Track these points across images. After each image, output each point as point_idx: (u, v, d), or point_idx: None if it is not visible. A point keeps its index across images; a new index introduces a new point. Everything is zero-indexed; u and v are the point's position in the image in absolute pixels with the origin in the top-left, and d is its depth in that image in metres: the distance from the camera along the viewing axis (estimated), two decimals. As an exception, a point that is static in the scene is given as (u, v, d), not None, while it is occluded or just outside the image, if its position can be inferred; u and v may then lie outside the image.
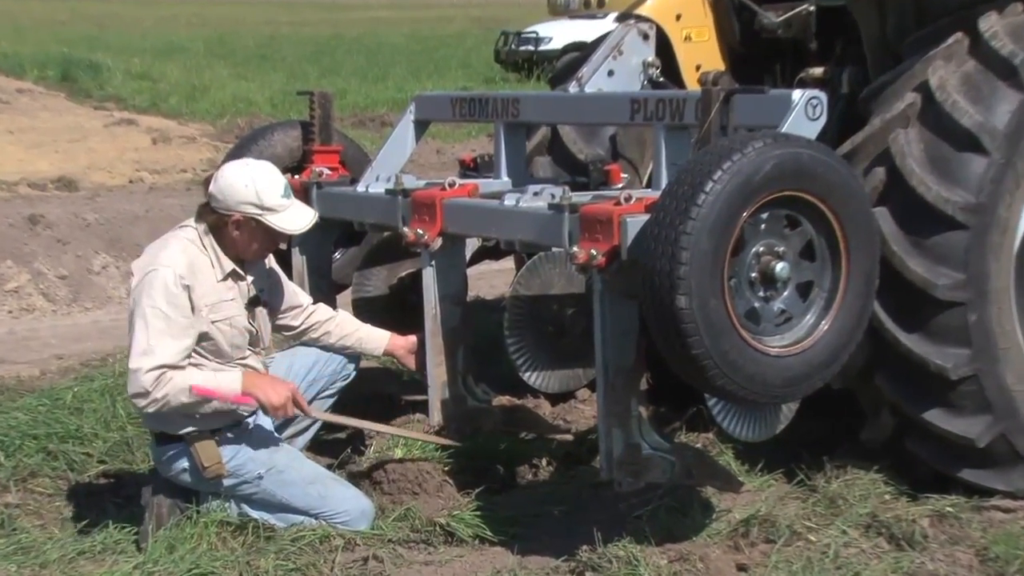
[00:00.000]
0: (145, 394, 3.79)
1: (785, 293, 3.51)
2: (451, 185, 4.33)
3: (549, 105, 4.83)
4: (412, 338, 4.50)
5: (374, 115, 15.45)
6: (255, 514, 4.04)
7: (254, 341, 4.11)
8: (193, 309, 3.87)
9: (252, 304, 4.10)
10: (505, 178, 4.76)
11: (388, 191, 4.48)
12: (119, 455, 4.81)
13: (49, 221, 8.76)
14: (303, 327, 4.42)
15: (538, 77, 19.72)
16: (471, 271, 4.79)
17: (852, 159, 4.06)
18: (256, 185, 3.93)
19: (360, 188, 4.72)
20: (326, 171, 4.90)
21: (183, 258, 3.90)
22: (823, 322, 3.53)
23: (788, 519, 3.99)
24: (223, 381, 3.90)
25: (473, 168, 5.21)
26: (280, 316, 4.35)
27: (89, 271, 8.40)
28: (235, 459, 4.00)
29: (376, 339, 4.50)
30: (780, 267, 3.46)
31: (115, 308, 7.96)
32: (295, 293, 4.43)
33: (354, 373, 4.52)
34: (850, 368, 3.81)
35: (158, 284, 3.83)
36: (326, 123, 5.01)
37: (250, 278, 4.10)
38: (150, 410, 3.84)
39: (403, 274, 4.93)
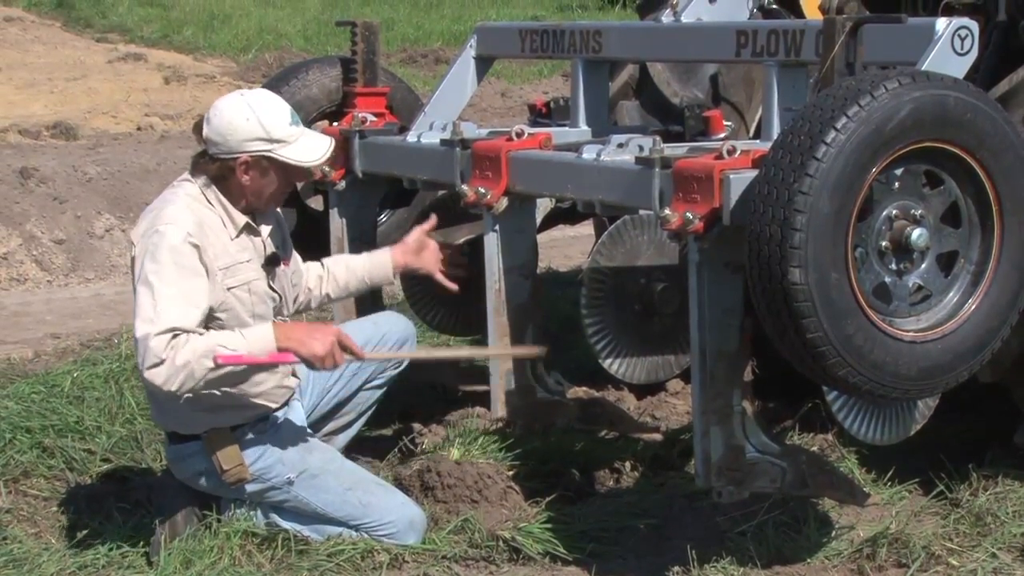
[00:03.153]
0: (161, 363, 3.71)
1: (923, 266, 3.50)
2: (519, 135, 4.34)
3: (637, 38, 4.82)
4: (410, 238, 4.52)
5: (427, 50, 15.49)
6: (286, 524, 4.11)
7: (278, 309, 4.15)
8: (206, 269, 3.88)
9: (270, 263, 4.11)
10: (584, 126, 4.76)
11: (443, 141, 4.50)
12: (126, 452, 4.89)
13: (43, 175, 8.89)
14: (301, 298, 4.43)
15: (624, 4, 19.62)
16: (542, 238, 4.80)
17: (1009, 103, 4.01)
18: (258, 116, 3.94)
19: (411, 138, 4.75)
20: (370, 117, 4.93)
21: (189, 215, 3.91)
22: (969, 301, 3.51)
23: (924, 539, 3.97)
24: (252, 338, 3.86)
25: (545, 114, 5.21)
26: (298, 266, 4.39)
27: (90, 235, 8.53)
28: (261, 461, 4.06)
29: (380, 266, 4.50)
30: (917, 234, 3.44)
31: (120, 279, 8.08)
32: (294, 252, 4.41)
33: (406, 360, 4.55)
34: (1002, 357, 3.78)
35: (163, 246, 3.84)
36: (371, 60, 5.05)
37: (265, 231, 4.12)
38: (173, 387, 3.74)
39: (461, 241, 4.96)
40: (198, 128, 4.03)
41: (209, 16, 17.70)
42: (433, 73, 13.55)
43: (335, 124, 4.96)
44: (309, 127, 4.91)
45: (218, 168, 3.98)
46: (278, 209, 4.27)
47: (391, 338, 4.50)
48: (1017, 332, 3.65)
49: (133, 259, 3.96)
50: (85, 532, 4.31)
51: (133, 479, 4.71)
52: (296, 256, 4.40)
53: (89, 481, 4.73)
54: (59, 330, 6.93)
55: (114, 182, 9.11)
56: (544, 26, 4.88)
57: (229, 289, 3.95)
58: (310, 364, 3.96)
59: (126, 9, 18.09)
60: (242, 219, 4.02)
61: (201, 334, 3.81)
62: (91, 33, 16.73)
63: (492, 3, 20.33)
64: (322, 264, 4.49)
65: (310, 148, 4.04)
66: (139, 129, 11.54)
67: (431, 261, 4.54)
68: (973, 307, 3.51)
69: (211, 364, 3.75)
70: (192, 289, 3.83)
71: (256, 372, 3.97)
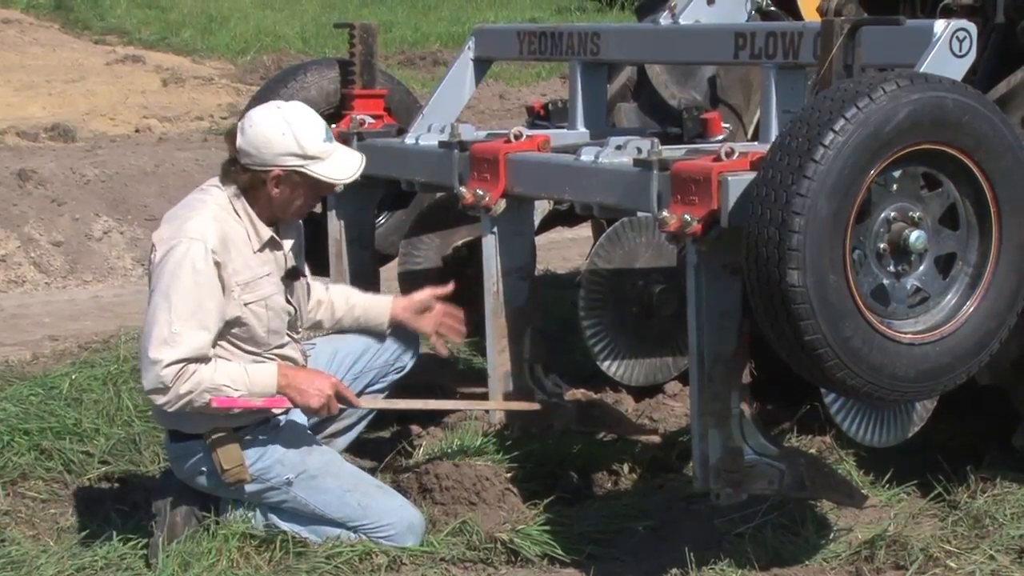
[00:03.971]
0: (164, 390, 3.85)
1: (921, 268, 3.50)
2: (517, 137, 4.34)
3: (636, 40, 4.82)
4: (418, 296, 4.50)
5: (425, 52, 15.49)
6: (284, 526, 4.11)
7: (292, 324, 4.17)
8: (224, 290, 3.92)
9: (290, 277, 4.14)
10: (582, 128, 4.77)
11: (442, 143, 4.50)
12: (124, 454, 4.89)
13: (41, 177, 8.88)
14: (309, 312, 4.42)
15: (622, 6, 19.63)
16: (540, 240, 4.80)
17: (1007, 105, 4.02)
18: (294, 131, 3.96)
19: (409, 140, 4.75)
20: (368, 119, 4.93)
21: (215, 228, 3.93)
22: (967, 303, 3.51)
23: (922, 541, 3.97)
24: (256, 379, 3.95)
25: (544, 116, 5.21)
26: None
27: (88, 237, 8.52)
28: (261, 462, 4.07)
29: (378, 314, 4.48)
30: (915, 236, 3.44)
31: (118, 281, 8.08)
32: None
33: (411, 364, 4.56)
34: (1001, 359, 3.78)
35: (186, 261, 3.87)
36: (368, 62, 5.05)
37: (287, 244, 4.14)
38: (169, 409, 3.90)
39: (459, 243, 4.96)
40: (231, 136, 4.04)
41: (207, 18, 17.70)
42: (431, 75, 13.55)
43: (333, 126, 4.95)
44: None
45: (249, 179, 4.00)
46: (299, 221, 4.29)
47: (394, 343, 4.50)
48: (1015, 334, 3.65)
49: (152, 262, 3.99)
50: (83, 534, 4.31)
51: (131, 481, 4.71)
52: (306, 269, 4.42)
53: (87, 483, 4.73)
54: (57, 332, 6.93)
55: (112, 184, 9.10)
56: (542, 28, 4.88)
57: (246, 305, 3.98)
58: (304, 411, 4.09)
59: (124, 11, 18.08)
60: (267, 232, 4.04)
61: (210, 361, 3.89)
62: (89, 35, 16.72)
63: (490, 5, 20.34)
64: (326, 288, 4.50)
65: (343, 165, 4.06)
66: (137, 131, 11.54)
67: (429, 325, 4.52)
68: (971, 309, 3.51)
69: (209, 400, 3.88)
70: (207, 311, 3.88)
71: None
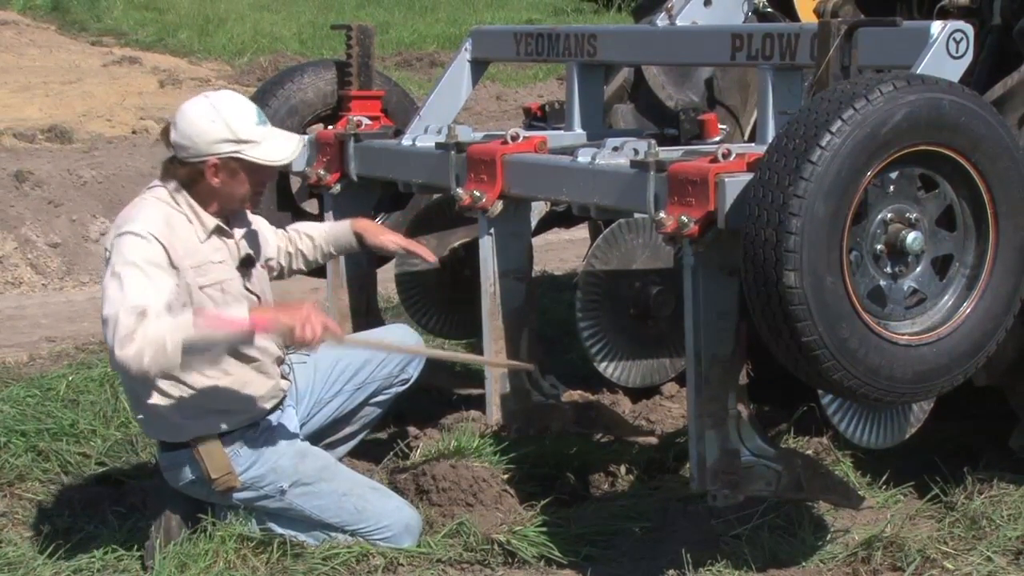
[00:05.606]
0: (130, 337, 3.57)
1: (918, 269, 3.50)
2: (514, 138, 4.34)
3: (632, 42, 4.82)
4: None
5: (422, 54, 15.50)
6: (281, 530, 4.10)
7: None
8: (176, 270, 3.85)
9: (245, 265, 4.09)
10: (579, 130, 4.77)
11: (439, 145, 4.50)
12: (121, 456, 4.89)
13: (38, 179, 8.89)
14: (285, 266, 4.44)
15: (619, 7, 19.65)
16: (537, 241, 4.80)
17: (1004, 106, 4.02)
18: (224, 117, 3.92)
19: (406, 141, 4.75)
20: (365, 121, 4.93)
21: (157, 214, 3.90)
22: (964, 304, 3.52)
23: (919, 542, 3.97)
24: (227, 314, 3.77)
25: (541, 118, 5.21)
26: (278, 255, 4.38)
27: (85, 238, 8.53)
28: (253, 470, 4.05)
29: (340, 230, 4.50)
30: (912, 238, 3.45)
31: (116, 282, 8.08)
32: (270, 233, 4.38)
33: (415, 376, 4.55)
34: (998, 361, 3.78)
35: (129, 243, 3.81)
36: (366, 63, 5.04)
37: (238, 234, 4.10)
38: (144, 363, 3.59)
39: (456, 244, 4.95)
40: (166, 133, 4.01)
41: (204, 20, 17.71)
42: (428, 76, 13.55)
43: (330, 128, 4.95)
44: (304, 131, 4.93)
45: (188, 172, 3.96)
46: (254, 212, 4.25)
47: (398, 356, 4.49)
48: (1012, 335, 3.65)
49: (105, 263, 3.91)
50: (80, 536, 4.31)
51: (128, 483, 4.70)
52: (271, 233, 4.37)
53: (84, 485, 4.73)
54: (54, 333, 6.93)
55: (109, 185, 9.11)
56: (539, 30, 4.89)
57: (201, 288, 3.93)
58: (288, 337, 3.81)
59: (121, 13, 18.10)
60: (212, 222, 4.00)
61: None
62: (86, 37, 16.74)
63: (487, 6, 20.37)
64: (287, 234, 4.46)
65: (278, 147, 4.01)
66: (134, 132, 11.54)
67: (390, 241, 4.49)
68: (968, 310, 3.51)
69: (184, 335, 3.61)
70: (160, 281, 3.77)
71: (240, 367, 3.96)
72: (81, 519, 4.45)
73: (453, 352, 4.64)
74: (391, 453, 4.68)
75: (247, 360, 4.03)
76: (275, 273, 4.41)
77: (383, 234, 4.51)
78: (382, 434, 4.93)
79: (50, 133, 10.97)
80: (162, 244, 3.84)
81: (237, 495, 4.05)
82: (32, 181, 8.81)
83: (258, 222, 4.30)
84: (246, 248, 4.12)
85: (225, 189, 3.97)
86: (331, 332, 3.83)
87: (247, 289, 4.07)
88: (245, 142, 3.93)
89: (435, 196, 4.86)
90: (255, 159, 3.94)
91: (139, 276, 3.73)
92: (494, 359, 4.42)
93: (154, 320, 3.62)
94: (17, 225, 8.38)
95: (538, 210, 4.74)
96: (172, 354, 3.62)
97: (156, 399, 3.95)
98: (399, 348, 4.47)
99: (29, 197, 8.68)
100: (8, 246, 8.22)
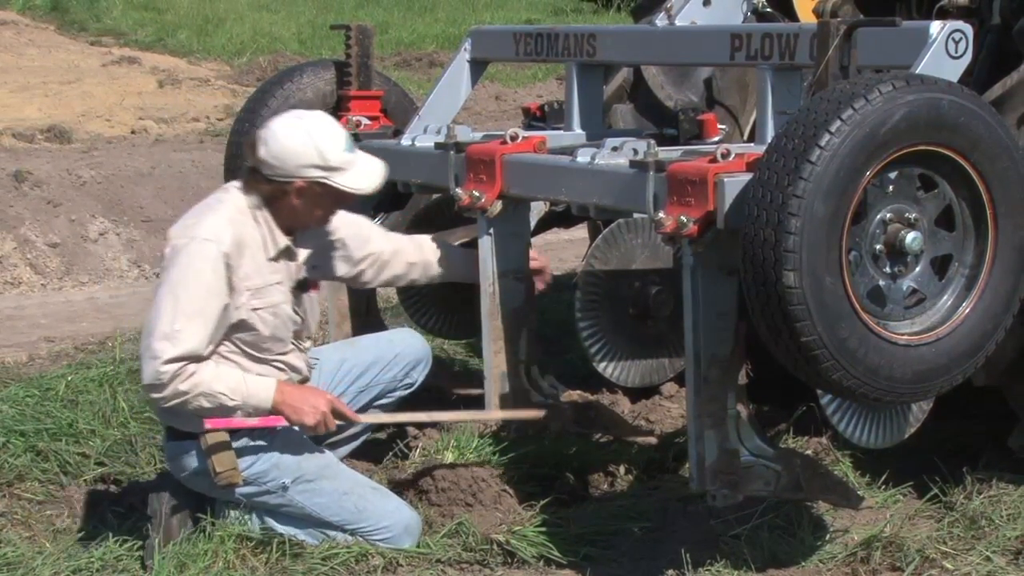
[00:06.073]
0: (161, 387, 3.86)
1: (917, 269, 3.51)
2: (513, 138, 4.34)
3: (632, 42, 4.82)
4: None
5: (421, 54, 15.48)
6: (281, 528, 4.10)
7: (299, 334, 4.16)
8: (232, 292, 3.93)
9: (300, 288, 4.14)
10: (578, 130, 4.77)
11: (438, 145, 4.50)
12: (120, 456, 4.89)
13: (38, 179, 8.88)
14: (378, 277, 4.49)
15: (618, 7, 19.64)
16: (536, 241, 4.80)
17: (1003, 106, 4.02)
18: (316, 142, 3.96)
19: (405, 141, 4.75)
20: (364, 121, 4.93)
21: (230, 230, 3.94)
22: (964, 305, 3.52)
23: (918, 542, 3.98)
24: (253, 391, 3.95)
25: (540, 118, 5.21)
26: (355, 269, 4.42)
27: (84, 238, 8.52)
28: (256, 466, 4.06)
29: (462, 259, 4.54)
30: (911, 238, 3.45)
31: (114, 282, 8.07)
32: (365, 240, 4.42)
33: (420, 380, 4.56)
34: (997, 361, 3.78)
35: (197, 259, 3.88)
36: (365, 63, 5.04)
37: (302, 255, 4.15)
38: (162, 405, 3.93)
39: (455, 244, 4.95)
40: (252, 147, 4.02)
41: (203, 20, 17.69)
42: (427, 76, 13.54)
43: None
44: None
45: (271, 190, 4.00)
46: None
47: (405, 358, 4.51)
48: (1011, 335, 3.65)
49: (165, 256, 3.99)
50: (79, 536, 4.32)
51: (127, 483, 4.71)
52: (369, 238, 4.44)
53: (83, 485, 4.72)
54: (53, 333, 6.93)
55: (108, 186, 9.10)
56: (538, 30, 4.89)
57: (255, 310, 3.99)
58: (300, 429, 4.07)
59: (120, 13, 18.07)
60: (284, 241, 4.05)
61: (209, 362, 3.90)
62: (85, 36, 16.71)
63: (486, 6, 20.34)
64: (408, 243, 4.55)
65: (365, 175, 4.07)
66: (133, 132, 11.53)
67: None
68: (967, 310, 3.51)
69: (206, 403, 3.89)
70: (211, 311, 3.89)
71: (271, 372, 4.07)
72: (80, 519, 4.46)
73: (462, 412, 4.65)
74: (391, 453, 4.68)
75: (279, 372, 4.10)
76: (353, 281, 4.52)
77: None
78: (382, 434, 4.92)
79: (49, 133, 10.96)
80: (227, 264, 3.91)
81: (239, 490, 4.06)
82: (31, 181, 8.80)
83: (333, 238, 4.33)
84: (304, 272, 4.16)
85: (303, 210, 4.03)
86: (344, 418, 4.14)
87: (295, 311, 4.12)
88: (333, 169, 3.97)
89: (434, 196, 4.86)
90: (341, 186, 4.00)
91: (195, 303, 3.87)
92: (505, 412, 4.45)
93: (187, 378, 3.85)
94: (16, 225, 8.37)
95: (537, 210, 4.74)
96: (190, 408, 3.92)
97: None
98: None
99: (28, 197, 8.67)
100: (7, 246, 8.21)
